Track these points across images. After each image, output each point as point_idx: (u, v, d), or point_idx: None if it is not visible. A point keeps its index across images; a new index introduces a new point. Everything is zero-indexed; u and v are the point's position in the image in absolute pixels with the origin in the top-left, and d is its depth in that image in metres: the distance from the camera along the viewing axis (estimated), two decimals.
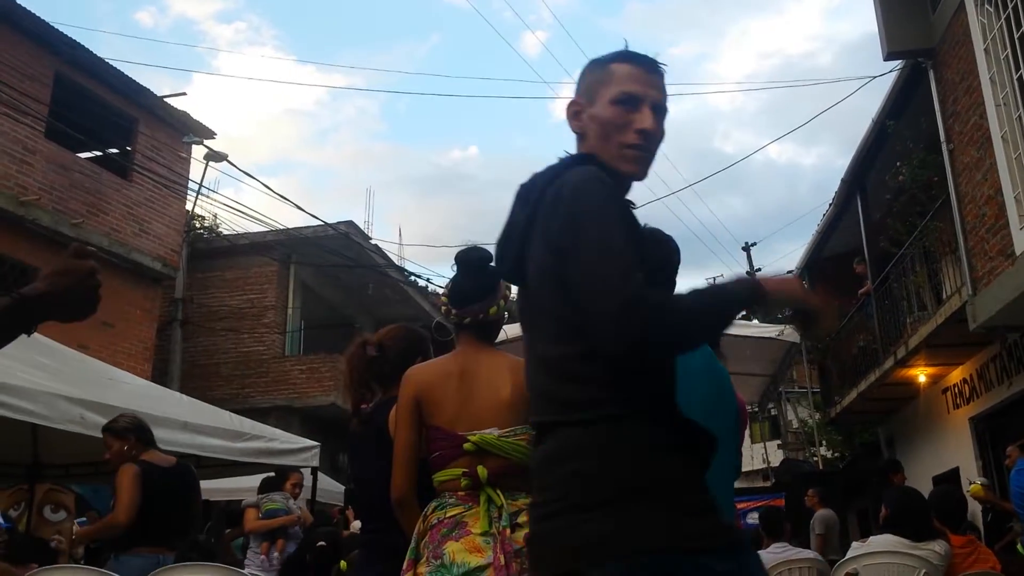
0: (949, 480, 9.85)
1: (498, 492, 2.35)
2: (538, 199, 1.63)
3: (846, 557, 4.78)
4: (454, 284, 2.62)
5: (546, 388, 1.62)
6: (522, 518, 2.33)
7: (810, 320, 1.66)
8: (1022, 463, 6.30)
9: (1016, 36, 6.99)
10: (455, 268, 2.65)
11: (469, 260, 2.61)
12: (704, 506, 1.49)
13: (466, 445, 2.38)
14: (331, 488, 10.66)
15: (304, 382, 14.54)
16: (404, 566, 2.37)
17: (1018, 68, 7.01)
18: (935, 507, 5.17)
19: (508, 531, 2.29)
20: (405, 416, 2.48)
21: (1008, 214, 7.18)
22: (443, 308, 2.62)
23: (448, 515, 2.36)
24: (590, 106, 1.70)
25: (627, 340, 1.42)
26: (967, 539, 4.92)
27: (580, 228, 1.51)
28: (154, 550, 4.33)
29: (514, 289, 2.61)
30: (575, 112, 1.74)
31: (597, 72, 1.74)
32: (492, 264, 2.57)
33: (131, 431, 4.60)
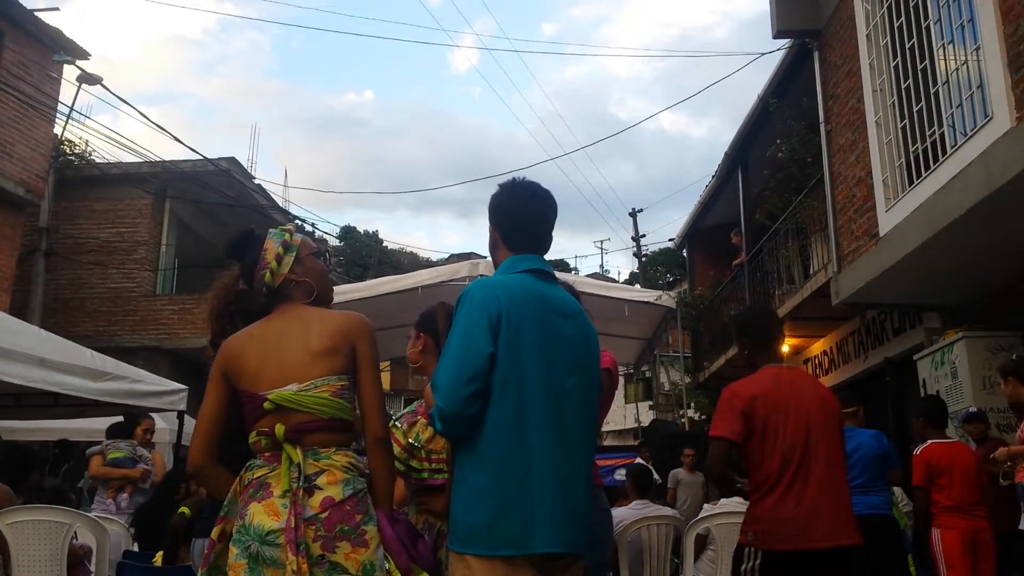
0: None
1: (297, 449, 2.31)
2: None
3: (698, 517, 4.97)
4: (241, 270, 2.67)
5: None
6: (322, 479, 2.29)
7: None
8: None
9: (896, 25, 7.27)
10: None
11: (230, 245, 2.66)
12: None
13: (265, 404, 2.34)
14: None
15: (176, 323, 14.06)
16: (216, 521, 2.36)
17: (895, 56, 7.30)
18: None
19: (301, 492, 2.25)
20: (209, 386, 2.46)
21: (876, 196, 7.53)
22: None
23: (255, 476, 2.33)
24: None
25: None
26: None
27: None
28: None
29: (298, 245, 2.64)
30: None
31: None
32: (250, 236, 2.65)
33: None
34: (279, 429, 2.31)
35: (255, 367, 2.41)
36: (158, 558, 4.85)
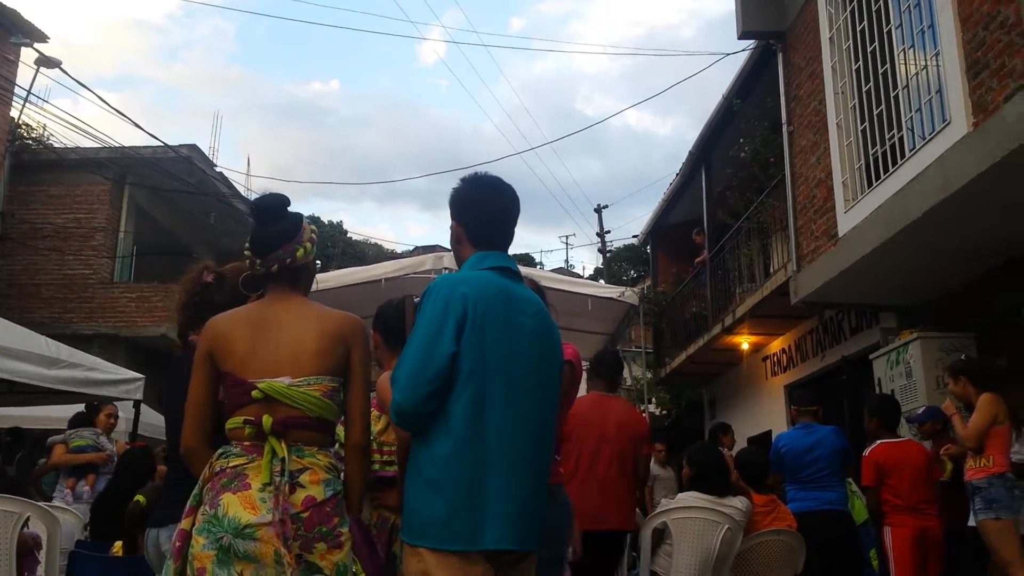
0: (762, 442, 10.50)
1: (283, 444, 2.28)
2: None
3: (655, 511, 5.03)
4: (253, 234, 2.53)
5: None
6: (305, 478, 2.28)
7: None
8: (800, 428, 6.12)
9: (858, 28, 7.36)
10: (253, 218, 2.58)
11: (265, 207, 2.55)
12: None
13: (254, 392, 2.30)
14: (156, 422, 10.23)
15: (133, 311, 13.84)
16: (186, 511, 2.30)
17: (857, 59, 7.40)
18: (740, 467, 5.51)
19: (287, 488, 2.22)
20: (198, 366, 2.41)
21: (835, 197, 7.63)
22: (247, 261, 2.53)
23: (231, 465, 2.28)
24: None
25: None
26: (769, 498, 5.27)
27: None
28: None
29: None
30: None
31: None
32: (289, 208, 2.56)
33: None
34: (267, 420, 2.28)
35: (245, 351, 2.36)
36: (117, 547, 4.78)
